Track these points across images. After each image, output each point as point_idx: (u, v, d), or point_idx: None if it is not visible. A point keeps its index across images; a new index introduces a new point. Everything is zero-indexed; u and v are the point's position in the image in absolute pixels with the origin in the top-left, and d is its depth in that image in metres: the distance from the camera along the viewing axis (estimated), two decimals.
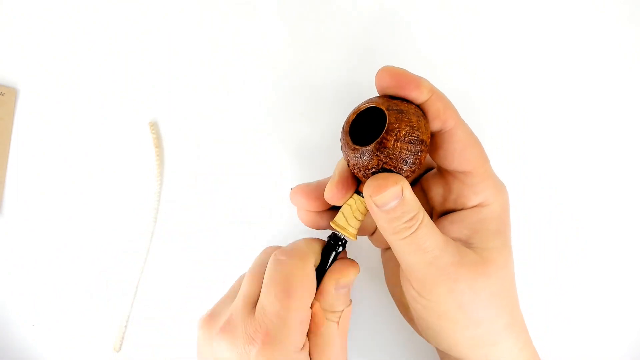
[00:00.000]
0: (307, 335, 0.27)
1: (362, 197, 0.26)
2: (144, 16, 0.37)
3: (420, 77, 0.25)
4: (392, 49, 0.36)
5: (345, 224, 0.27)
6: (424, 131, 0.24)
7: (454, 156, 0.26)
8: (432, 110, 0.25)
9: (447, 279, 0.25)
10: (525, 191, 0.36)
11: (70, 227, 0.36)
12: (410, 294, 0.27)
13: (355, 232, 0.27)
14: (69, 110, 0.37)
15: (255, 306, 0.26)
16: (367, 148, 0.24)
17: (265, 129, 0.36)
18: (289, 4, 0.36)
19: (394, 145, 0.23)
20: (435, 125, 0.25)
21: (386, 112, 0.24)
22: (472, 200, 0.27)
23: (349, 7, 0.36)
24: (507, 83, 0.36)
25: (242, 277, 0.29)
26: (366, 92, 0.36)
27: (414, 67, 0.36)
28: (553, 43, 0.36)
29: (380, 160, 0.24)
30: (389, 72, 0.24)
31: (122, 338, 0.36)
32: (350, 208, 0.27)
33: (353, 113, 0.26)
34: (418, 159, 0.24)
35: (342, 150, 0.26)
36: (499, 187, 0.28)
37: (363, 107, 0.25)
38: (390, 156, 0.24)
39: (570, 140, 0.36)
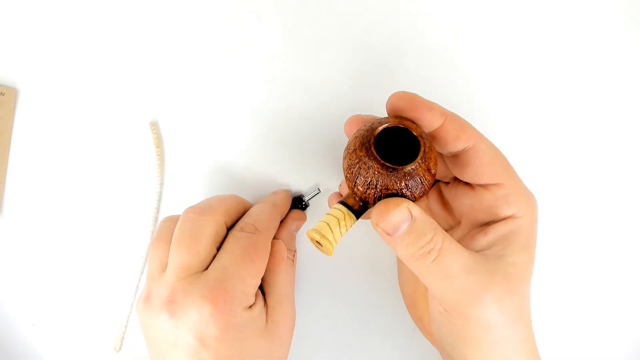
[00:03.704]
0: (265, 274, 0.30)
1: (350, 211, 0.25)
2: (144, 16, 0.37)
3: (431, 102, 0.25)
4: (394, 51, 0.36)
5: (329, 233, 0.24)
6: (436, 163, 0.24)
7: (484, 170, 0.26)
8: (451, 132, 0.25)
9: (478, 303, 0.24)
10: None
11: (70, 227, 0.36)
12: (437, 310, 0.27)
13: (334, 246, 0.25)
14: (69, 110, 0.36)
15: (188, 272, 0.27)
16: (404, 169, 0.23)
17: (265, 129, 0.36)
18: (289, 4, 0.36)
19: (421, 174, 0.23)
20: (458, 146, 0.25)
21: (420, 139, 0.23)
22: (505, 211, 0.27)
23: (349, 8, 0.36)
24: (511, 83, 0.36)
25: (154, 251, 0.30)
26: (367, 91, 0.36)
27: (415, 70, 0.36)
28: (563, 49, 0.36)
29: (404, 184, 0.23)
30: (402, 96, 0.25)
31: (122, 338, 0.36)
32: (338, 221, 0.25)
33: (374, 129, 0.24)
34: (427, 190, 0.24)
35: (351, 160, 0.24)
36: (530, 199, 0.27)
37: (389, 124, 0.24)
38: (412, 184, 0.23)
39: (568, 142, 0.36)
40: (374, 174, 0.23)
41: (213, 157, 0.36)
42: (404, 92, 0.25)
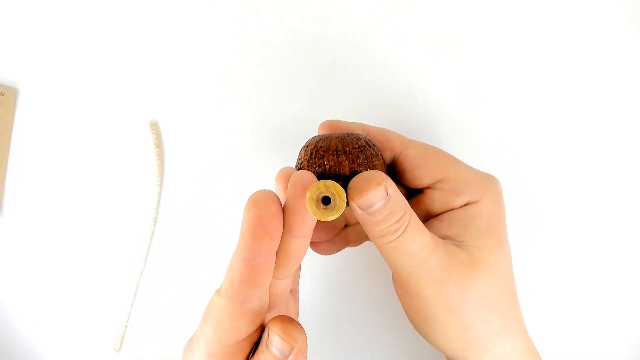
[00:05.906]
0: None
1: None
2: (144, 16, 0.37)
3: (352, 123, 0.28)
4: (395, 51, 0.36)
5: (339, 188, 0.21)
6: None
7: (421, 172, 0.27)
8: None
9: (433, 282, 0.24)
10: (526, 190, 0.36)
11: (70, 228, 0.36)
12: (398, 292, 0.27)
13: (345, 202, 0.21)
14: (69, 110, 0.37)
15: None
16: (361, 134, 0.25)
17: (266, 129, 0.36)
18: (289, 4, 0.36)
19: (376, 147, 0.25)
20: (387, 156, 0.28)
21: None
22: (458, 202, 0.27)
23: (349, 8, 0.36)
24: (511, 83, 0.36)
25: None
26: (368, 91, 0.36)
27: (418, 69, 0.36)
28: (545, 42, 0.36)
29: (364, 141, 0.24)
30: (327, 123, 0.29)
31: (122, 338, 0.36)
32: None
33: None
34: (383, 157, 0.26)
35: (314, 141, 0.24)
36: (486, 181, 0.27)
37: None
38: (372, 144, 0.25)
39: (568, 143, 0.36)
40: (337, 138, 0.24)
41: (213, 157, 0.36)
42: (328, 120, 0.29)
